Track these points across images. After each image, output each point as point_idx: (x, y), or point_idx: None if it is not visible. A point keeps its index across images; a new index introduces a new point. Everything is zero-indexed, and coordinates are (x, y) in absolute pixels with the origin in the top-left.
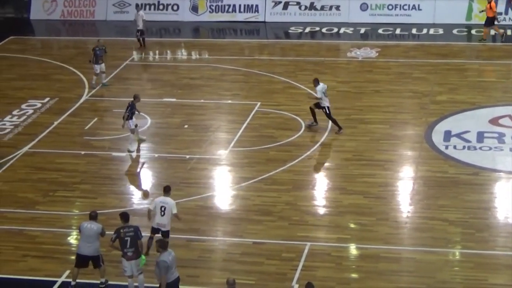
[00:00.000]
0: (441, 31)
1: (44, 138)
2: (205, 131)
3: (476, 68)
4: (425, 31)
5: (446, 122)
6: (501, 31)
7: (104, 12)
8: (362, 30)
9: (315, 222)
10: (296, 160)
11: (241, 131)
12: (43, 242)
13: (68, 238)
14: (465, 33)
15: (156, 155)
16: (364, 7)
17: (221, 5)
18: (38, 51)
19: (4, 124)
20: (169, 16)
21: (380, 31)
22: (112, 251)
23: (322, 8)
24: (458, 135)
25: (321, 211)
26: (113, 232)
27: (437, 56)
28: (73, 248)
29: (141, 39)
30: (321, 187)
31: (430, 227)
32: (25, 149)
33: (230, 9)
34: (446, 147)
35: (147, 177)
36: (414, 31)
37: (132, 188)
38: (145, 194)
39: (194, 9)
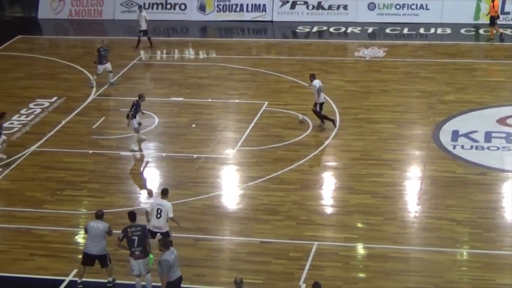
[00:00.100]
0: (448, 30)
1: (52, 137)
2: (212, 131)
3: (484, 68)
4: (432, 30)
5: (453, 122)
6: (500, 30)
7: (111, 11)
8: (370, 30)
9: (322, 222)
10: (304, 160)
11: (248, 130)
12: (51, 241)
13: (76, 237)
14: (473, 33)
15: (164, 154)
16: (371, 6)
17: (229, 5)
18: (46, 50)
19: (12, 123)
20: (177, 16)
21: (387, 30)
22: (120, 250)
23: (330, 7)
24: (466, 135)
25: (329, 210)
26: (120, 231)
27: (444, 56)
28: (81, 247)
29: (144, 38)
30: (328, 186)
31: (438, 227)
32: (33, 148)
33: (238, 9)
34: (454, 147)
35: (154, 176)
36: (421, 30)
37: (139, 187)
38: (150, 193)
39: (202, 8)
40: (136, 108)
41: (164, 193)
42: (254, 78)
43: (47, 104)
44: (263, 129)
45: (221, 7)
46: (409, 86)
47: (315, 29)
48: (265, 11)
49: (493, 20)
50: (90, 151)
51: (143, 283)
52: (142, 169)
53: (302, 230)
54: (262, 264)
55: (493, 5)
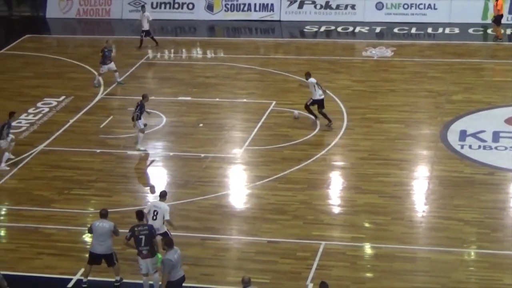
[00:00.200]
0: (456, 30)
1: (59, 136)
2: (220, 130)
3: (492, 68)
4: (440, 30)
5: (461, 122)
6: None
7: (119, 10)
8: (378, 29)
9: (330, 221)
10: (311, 159)
11: (256, 130)
12: (58, 240)
13: (83, 236)
14: (481, 33)
15: (171, 153)
16: (379, 6)
17: (236, 4)
18: (54, 49)
19: (20, 122)
20: (184, 15)
21: (395, 30)
22: (127, 249)
23: (338, 7)
24: (474, 135)
25: (336, 210)
26: (128, 230)
27: (452, 56)
28: (88, 246)
29: (147, 38)
30: (336, 186)
31: (445, 226)
32: (41, 147)
33: (246, 8)
34: (462, 147)
35: (162, 176)
36: (429, 30)
37: (147, 186)
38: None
39: (210, 7)
40: (140, 109)
41: (162, 195)
42: (261, 77)
43: (55, 103)
44: (270, 129)
45: (229, 6)
46: (417, 86)
47: (322, 28)
48: (273, 11)
49: (498, 19)
50: (98, 150)
51: (151, 282)
52: (146, 167)
53: (310, 230)
54: (269, 263)
55: (496, 4)
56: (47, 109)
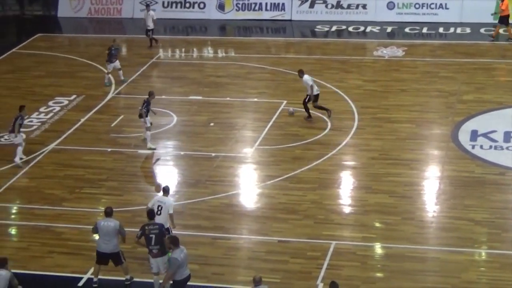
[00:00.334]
0: (468, 30)
1: (70, 135)
2: (230, 129)
3: (503, 68)
4: (452, 30)
5: (472, 122)
6: (495, 33)
7: (131, 10)
8: (389, 29)
9: (340, 221)
10: (322, 159)
11: (266, 129)
12: (69, 239)
13: (94, 235)
14: (493, 32)
15: (182, 152)
16: (390, 5)
17: (248, 3)
18: (65, 48)
19: (32, 121)
20: (196, 14)
21: (406, 30)
22: (137, 248)
23: (349, 6)
24: (485, 135)
25: (347, 210)
26: (138, 229)
27: (464, 55)
28: None
29: (149, 36)
30: (346, 186)
31: (456, 227)
32: (52, 146)
33: (257, 7)
34: (473, 147)
35: (173, 175)
36: (441, 30)
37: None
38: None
39: (221, 7)
40: (147, 106)
41: (166, 190)
42: (272, 77)
43: (66, 102)
44: (281, 128)
45: (240, 6)
46: (428, 86)
47: (334, 28)
48: (284, 10)
49: (505, 19)
50: (109, 149)
51: (161, 281)
52: (153, 165)
53: (320, 229)
54: (280, 263)
55: (502, 4)
56: (58, 108)
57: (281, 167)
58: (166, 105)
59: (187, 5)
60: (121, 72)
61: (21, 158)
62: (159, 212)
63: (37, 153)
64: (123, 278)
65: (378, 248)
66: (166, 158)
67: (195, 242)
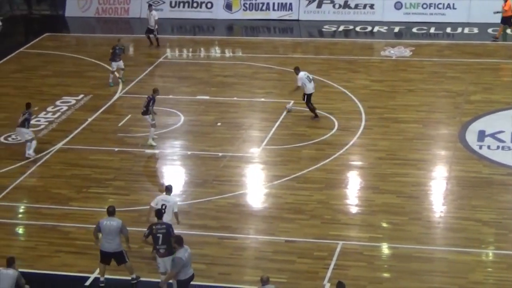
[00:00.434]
0: (475, 30)
1: (78, 134)
2: (238, 129)
3: (511, 68)
4: (459, 30)
5: (480, 122)
6: (498, 33)
7: (138, 9)
8: (396, 29)
9: (347, 221)
10: (329, 159)
11: (274, 129)
12: (76, 238)
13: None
14: (496, 33)
15: (189, 152)
16: (398, 5)
17: (255, 3)
18: (72, 48)
19: (39, 121)
20: (203, 14)
21: (414, 30)
22: (144, 247)
23: (356, 6)
24: (492, 135)
25: (354, 210)
26: (146, 228)
27: (471, 55)
28: None
29: (153, 36)
30: (353, 186)
31: (463, 227)
32: (59, 145)
33: (264, 7)
34: (480, 147)
35: (180, 175)
36: (448, 30)
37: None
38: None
39: (228, 7)
40: (152, 103)
41: (168, 189)
42: (280, 77)
43: (73, 101)
44: (288, 128)
45: (247, 5)
46: (436, 86)
47: (341, 28)
48: (291, 10)
49: (508, 20)
50: (116, 149)
51: (170, 281)
52: (163, 166)
53: (327, 229)
54: (287, 263)
55: (505, 4)
56: (65, 108)
57: (288, 167)
58: (173, 104)
59: (195, 5)
60: (122, 72)
61: (28, 157)
62: (163, 211)
63: (44, 153)
64: (129, 278)
65: (385, 248)
66: (173, 157)
67: (202, 242)
